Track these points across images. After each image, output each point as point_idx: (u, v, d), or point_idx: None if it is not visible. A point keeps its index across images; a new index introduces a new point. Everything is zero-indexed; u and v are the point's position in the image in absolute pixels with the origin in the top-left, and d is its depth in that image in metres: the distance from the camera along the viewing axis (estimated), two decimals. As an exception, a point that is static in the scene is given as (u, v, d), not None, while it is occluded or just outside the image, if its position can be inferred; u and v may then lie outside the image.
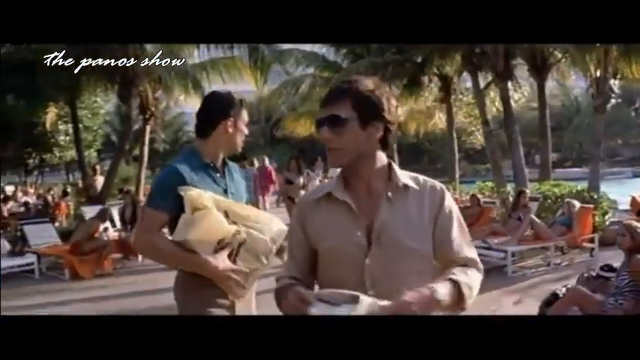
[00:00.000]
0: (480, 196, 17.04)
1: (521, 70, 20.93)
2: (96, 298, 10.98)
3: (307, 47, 26.40)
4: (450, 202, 2.91)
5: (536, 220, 12.62)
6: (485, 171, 46.90)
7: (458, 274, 2.76)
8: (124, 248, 13.98)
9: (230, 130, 4.00)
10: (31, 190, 35.61)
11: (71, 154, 26.72)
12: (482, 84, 21.66)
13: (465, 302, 2.75)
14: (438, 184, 2.93)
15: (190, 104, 22.51)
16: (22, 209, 23.77)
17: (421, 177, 2.96)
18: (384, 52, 23.46)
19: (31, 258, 13.89)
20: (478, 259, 2.90)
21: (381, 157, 2.89)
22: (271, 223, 3.99)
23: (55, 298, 11.21)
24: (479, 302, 9.40)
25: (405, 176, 2.89)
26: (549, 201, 15.37)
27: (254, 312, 4.11)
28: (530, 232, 12.47)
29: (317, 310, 2.52)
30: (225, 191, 4.01)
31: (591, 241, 13.09)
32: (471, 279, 2.79)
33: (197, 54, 22.48)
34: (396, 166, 2.91)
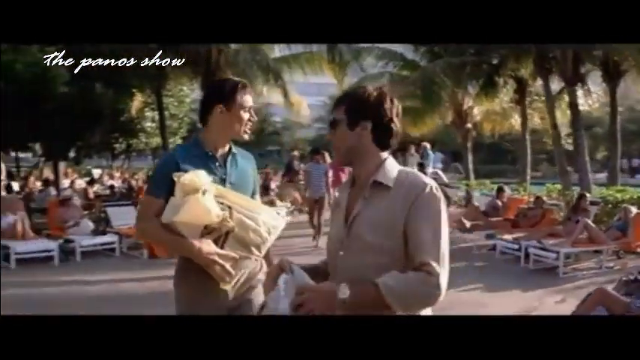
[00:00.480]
0: (546, 198, 17.33)
1: (595, 75, 21.02)
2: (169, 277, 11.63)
3: (386, 44, 26.63)
4: (426, 201, 2.89)
5: (591, 224, 12.80)
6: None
7: (386, 277, 2.73)
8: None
9: (224, 116, 3.95)
10: (117, 174, 36.81)
11: (157, 140, 27.29)
12: (558, 87, 21.83)
13: (391, 305, 2.71)
14: (422, 182, 2.94)
15: (274, 96, 23.26)
16: (108, 192, 24.78)
17: (411, 175, 3.02)
18: (462, 53, 23.76)
19: (112, 238, 14.66)
20: (434, 265, 2.77)
21: (377, 156, 3.04)
22: (264, 213, 4.01)
23: (133, 275, 12.00)
24: (521, 299, 9.79)
25: (389, 174, 2.99)
26: (610, 206, 15.56)
27: (258, 302, 3.93)
28: (585, 235, 12.65)
29: (283, 277, 2.88)
30: (224, 180, 3.97)
31: (646, 247, 13.17)
32: (401, 282, 2.74)
33: (277, 49, 23.16)
34: (389, 164, 3.03)
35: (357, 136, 2.99)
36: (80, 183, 27.26)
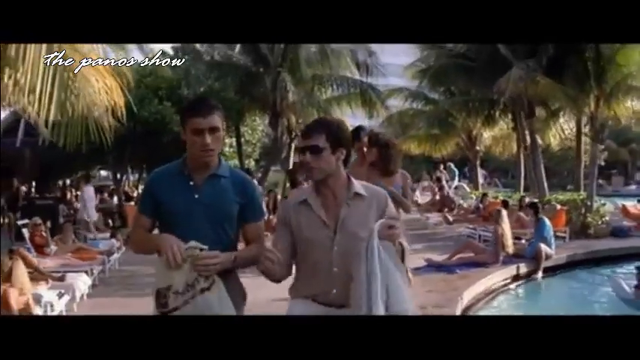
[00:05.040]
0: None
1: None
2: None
3: (413, 86, 31.41)
4: (390, 204, 3.66)
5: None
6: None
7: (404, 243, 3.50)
8: (268, 227, 17.19)
9: (184, 138, 3.68)
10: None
11: (234, 162, 30.87)
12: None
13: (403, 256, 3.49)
14: (382, 191, 3.69)
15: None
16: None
17: (371, 187, 3.71)
18: (468, 92, 28.42)
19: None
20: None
21: (343, 172, 3.58)
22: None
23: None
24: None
25: (359, 186, 3.58)
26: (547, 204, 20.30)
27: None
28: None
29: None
30: (199, 201, 3.69)
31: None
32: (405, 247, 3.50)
33: (324, 94, 27.71)
34: (352, 179, 3.60)
35: (336, 160, 3.52)
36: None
